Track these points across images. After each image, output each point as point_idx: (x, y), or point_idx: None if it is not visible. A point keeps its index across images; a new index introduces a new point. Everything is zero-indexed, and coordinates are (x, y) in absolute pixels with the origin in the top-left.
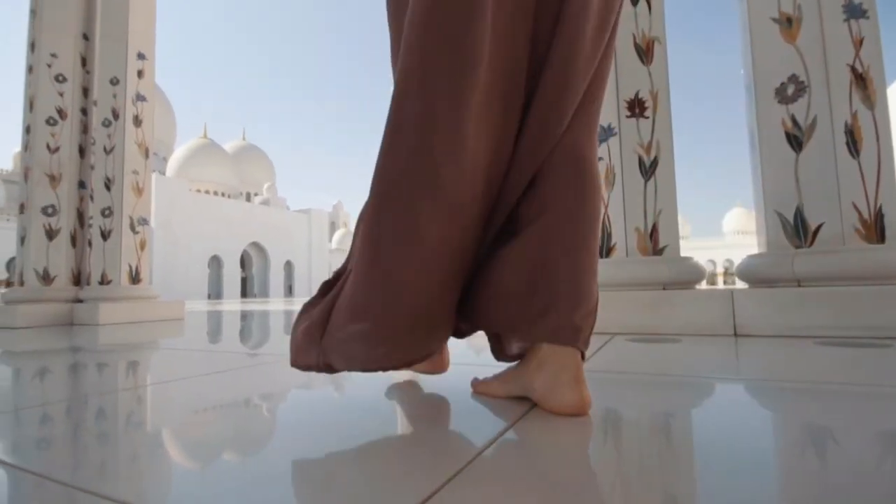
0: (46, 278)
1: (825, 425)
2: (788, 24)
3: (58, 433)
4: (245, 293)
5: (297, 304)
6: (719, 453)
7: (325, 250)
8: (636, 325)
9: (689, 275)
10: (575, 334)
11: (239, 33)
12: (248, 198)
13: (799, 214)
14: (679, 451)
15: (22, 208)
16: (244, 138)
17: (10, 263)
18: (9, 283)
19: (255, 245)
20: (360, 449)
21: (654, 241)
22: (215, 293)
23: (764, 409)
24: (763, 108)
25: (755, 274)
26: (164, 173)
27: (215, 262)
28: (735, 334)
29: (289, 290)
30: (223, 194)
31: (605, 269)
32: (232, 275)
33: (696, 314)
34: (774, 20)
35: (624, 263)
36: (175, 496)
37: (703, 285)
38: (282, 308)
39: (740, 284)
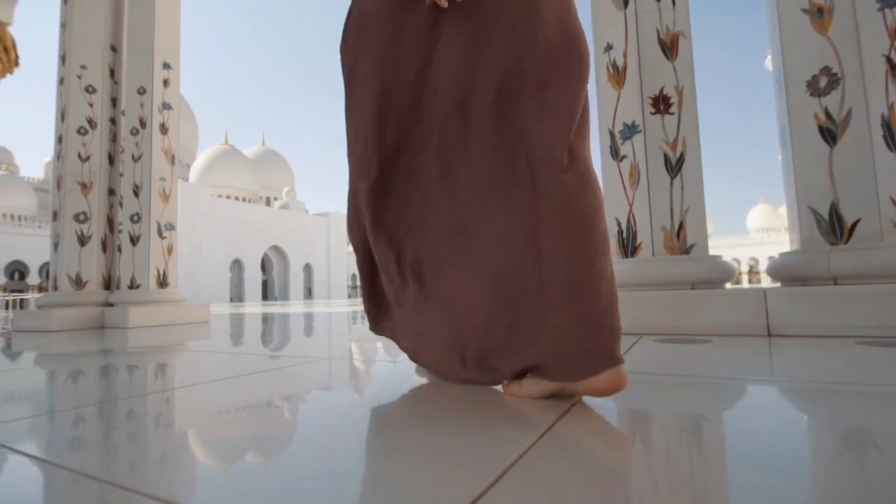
0: (79, 283)
1: (866, 429)
2: (820, 14)
3: (91, 433)
4: (266, 296)
5: (317, 307)
6: (752, 457)
7: (344, 253)
8: (664, 325)
9: (719, 274)
10: (608, 357)
11: (258, 40)
12: (268, 202)
13: (834, 210)
14: (711, 454)
15: (55, 215)
16: (264, 143)
17: (42, 269)
18: (41, 288)
19: (276, 248)
20: (398, 451)
21: (682, 240)
22: (237, 296)
23: (800, 413)
24: (795, 101)
25: (789, 272)
26: (187, 179)
27: (237, 266)
28: (768, 334)
29: (308, 293)
30: (244, 199)
31: (630, 269)
32: (253, 278)
33: (726, 314)
34: (805, 11)
35: (650, 263)
36: (216, 494)
37: (727, 285)
38: (302, 311)
39: (766, 282)
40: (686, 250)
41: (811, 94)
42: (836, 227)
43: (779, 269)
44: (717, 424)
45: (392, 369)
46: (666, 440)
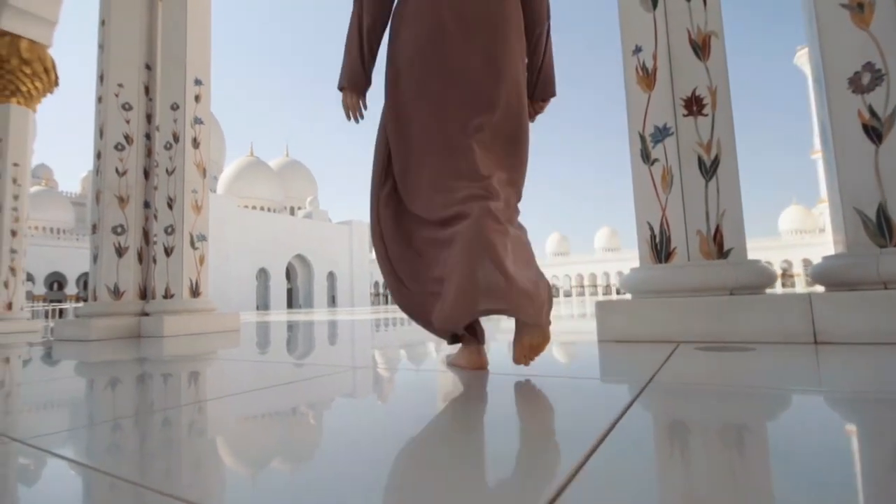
0: (117, 293)
1: None
2: (860, 9)
3: (128, 440)
4: (290, 304)
5: (341, 315)
6: (800, 471)
7: (366, 260)
8: (703, 332)
9: (759, 278)
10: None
11: (282, 53)
12: (292, 211)
13: (882, 211)
14: (755, 467)
15: (94, 228)
16: (287, 154)
17: (79, 279)
18: (78, 298)
19: (300, 257)
20: (444, 468)
21: (719, 244)
22: (263, 304)
23: (851, 424)
24: (836, 99)
25: (834, 276)
26: (214, 191)
27: (263, 275)
28: (815, 342)
29: (332, 301)
30: (269, 209)
31: (665, 275)
32: (278, 286)
33: (769, 320)
34: (844, 6)
35: (686, 268)
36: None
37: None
38: (326, 318)
39: (800, 286)
40: (723, 255)
41: (853, 91)
42: (884, 229)
43: (823, 273)
44: (761, 436)
45: (429, 379)
46: (707, 453)
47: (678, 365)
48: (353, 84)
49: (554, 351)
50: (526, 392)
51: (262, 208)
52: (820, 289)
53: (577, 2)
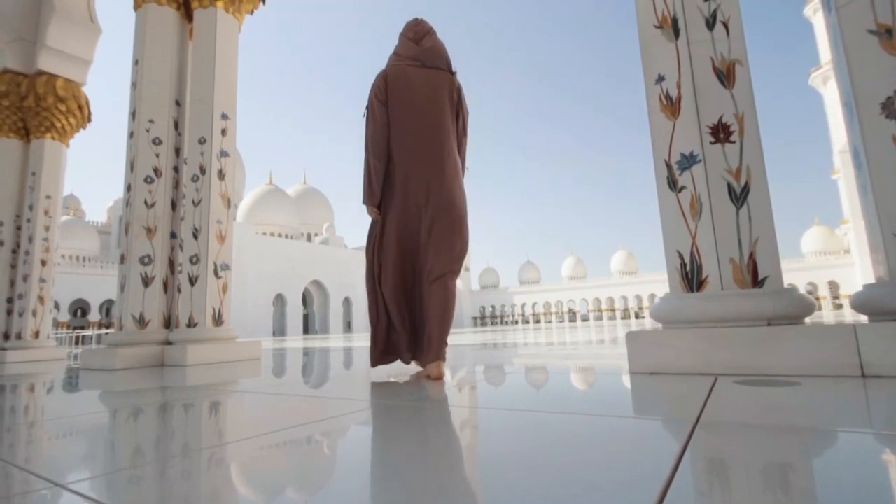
0: (142, 322)
1: None
2: (889, 35)
3: (149, 475)
4: (307, 329)
5: (356, 341)
6: None
7: None
8: (741, 365)
9: (798, 308)
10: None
11: (300, 81)
12: (309, 238)
13: None
14: None
15: (122, 259)
16: (305, 182)
17: (102, 306)
18: (100, 325)
19: (316, 283)
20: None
21: (752, 273)
22: (279, 330)
23: None
24: (869, 125)
25: (879, 305)
26: (234, 219)
27: (279, 301)
28: (862, 375)
29: (347, 326)
30: (286, 236)
31: (697, 305)
32: (294, 312)
33: (811, 352)
34: (872, 32)
35: (719, 298)
36: None
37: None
38: (342, 345)
39: (827, 308)
40: (758, 283)
41: (887, 117)
42: None
43: (866, 303)
44: (807, 478)
45: (449, 414)
46: (750, 493)
47: (723, 401)
48: (371, 202)
49: (597, 383)
50: (574, 435)
51: (279, 235)
52: (862, 318)
53: (594, 30)
